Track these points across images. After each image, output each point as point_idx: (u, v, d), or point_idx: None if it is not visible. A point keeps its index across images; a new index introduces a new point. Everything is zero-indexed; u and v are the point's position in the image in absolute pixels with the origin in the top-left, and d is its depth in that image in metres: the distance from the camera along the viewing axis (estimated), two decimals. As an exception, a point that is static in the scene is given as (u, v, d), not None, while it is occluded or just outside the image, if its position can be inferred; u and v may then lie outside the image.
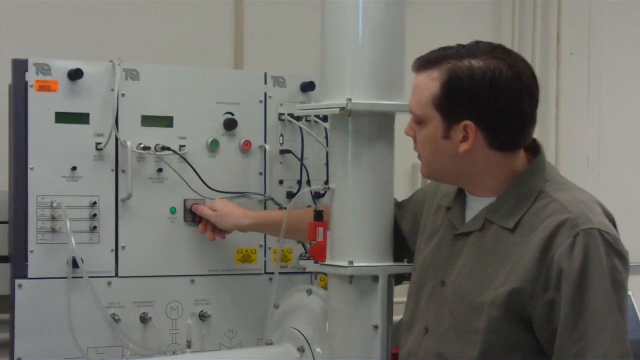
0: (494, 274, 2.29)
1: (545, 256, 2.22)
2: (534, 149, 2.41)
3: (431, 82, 2.32)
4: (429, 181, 2.64)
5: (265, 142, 3.12)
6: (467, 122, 2.29)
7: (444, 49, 2.35)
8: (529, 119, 2.33)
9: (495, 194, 2.37)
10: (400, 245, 2.71)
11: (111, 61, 2.95)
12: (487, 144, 2.31)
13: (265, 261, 3.14)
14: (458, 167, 2.36)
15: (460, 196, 2.47)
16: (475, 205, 2.41)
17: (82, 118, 2.91)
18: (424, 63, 2.35)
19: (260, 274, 3.13)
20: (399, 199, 2.76)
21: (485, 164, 2.34)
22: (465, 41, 2.37)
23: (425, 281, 2.49)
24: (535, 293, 2.22)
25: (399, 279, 2.70)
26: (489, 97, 2.27)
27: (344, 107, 2.55)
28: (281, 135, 3.15)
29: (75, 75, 2.89)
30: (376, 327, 2.60)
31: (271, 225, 2.95)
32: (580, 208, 2.25)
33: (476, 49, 2.32)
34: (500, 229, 2.32)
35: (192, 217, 3.02)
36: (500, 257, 2.30)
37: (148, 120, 2.98)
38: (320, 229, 2.68)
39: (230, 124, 3.06)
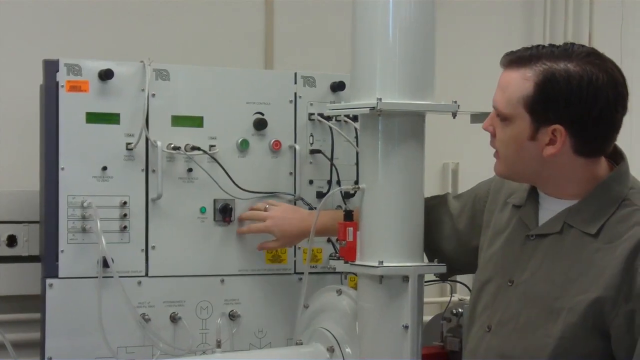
0: (574, 280, 2.27)
1: (631, 266, 2.20)
2: (613, 155, 2.39)
3: (524, 81, 2.28)
4: (459, 180, 2.62)
5: (295, 142, 3.11)
6: (558, 126, 2.26)
7: (537, 47, 2.31)
8: (618, 127, 2.32)
9: (573, 197, 2.34)
10: (449, 239, 2.70)
11: (142, 61, 2.95)
12: (573, 150, 2.29)
13: (295, 261, 3.13)
14: (539, 169, 2.33)
15: (533, 195, 2.44)
16: (551, 207, 2.38)
17: (112, 118, 2.92)
18: (517, 60, 2.32)
19: (290, 274, 3.13)
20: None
21: (567, 168, 2.31)
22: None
23: (489, 279, 2.47)
24: (617, 302, 2.20)
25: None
26: (586, 103, 2.24)
27: (374, 107, 2.54)
28: (311, 135, 3.14)
29: (105, 75, 2.89)
30: (406, 327, 2.59)
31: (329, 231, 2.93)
32: None
33: (571, 51, 2.28)
34: (581, 234, 2.30)
35: (223, 216, 3.02)
36: (581, 262, 2.27)
37: (178, 121, 2.99)
38: (350, 229, 2.67)
39: (260, 124, 3.06)
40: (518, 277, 2.38)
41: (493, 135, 2.38)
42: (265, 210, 3.00)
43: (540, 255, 2.36)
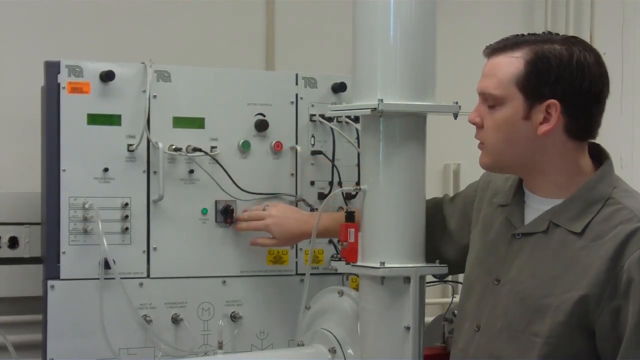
0: (559, 278, 2.28)
1: (616, 264, 2.21)
2: (599, 156, 2.40)
3: (515, 60, 2.30)
4: (460, 179, 2.61)
5: (296, 143, 3.11)
6: (552, 101, 2.28)
7: (519, 35, 2.35)
8: (603, 108, 2.34)
9: (558, 195, 2.35)
10: (447, 242, 2.70)
11: (143, 63, 2.95)
12: (564, 128, 2.30)
13: (296, 262, 3.13)
14: (530, 152, 2.33)
15: (519, 194, 2.45)
16: (537, 205, 2.40)
17: (114, 120, 2.92)
18: (502, 47, 2.33)
19: (292, 275, 3.13)
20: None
21: (556, 151, 2.32)
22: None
23: (477, 278, 2.49)
24: (602, 300, 2.21)
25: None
26: (576, 77, 2.28)
27: (375, 108, 2.54)
28: (312, 136, 3.14)
29: (107, 77, 2.89)
30: (408, 328, 2.58)
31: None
32: None
33: (553, 35, 2.34)
34: (566, 232, 2.31)
35: (224, 218, 3.02)
36: (566, 261, 2.28)
37: (179, 122, 2.99)
38: (352, 230, 2.67)
39: (261, 125, 3.06)
40: (504, 276, 2.39)
41: (480, 127, 2.38)
42: (264, 210, 2.99)
43: (526, 254, 2.37)
